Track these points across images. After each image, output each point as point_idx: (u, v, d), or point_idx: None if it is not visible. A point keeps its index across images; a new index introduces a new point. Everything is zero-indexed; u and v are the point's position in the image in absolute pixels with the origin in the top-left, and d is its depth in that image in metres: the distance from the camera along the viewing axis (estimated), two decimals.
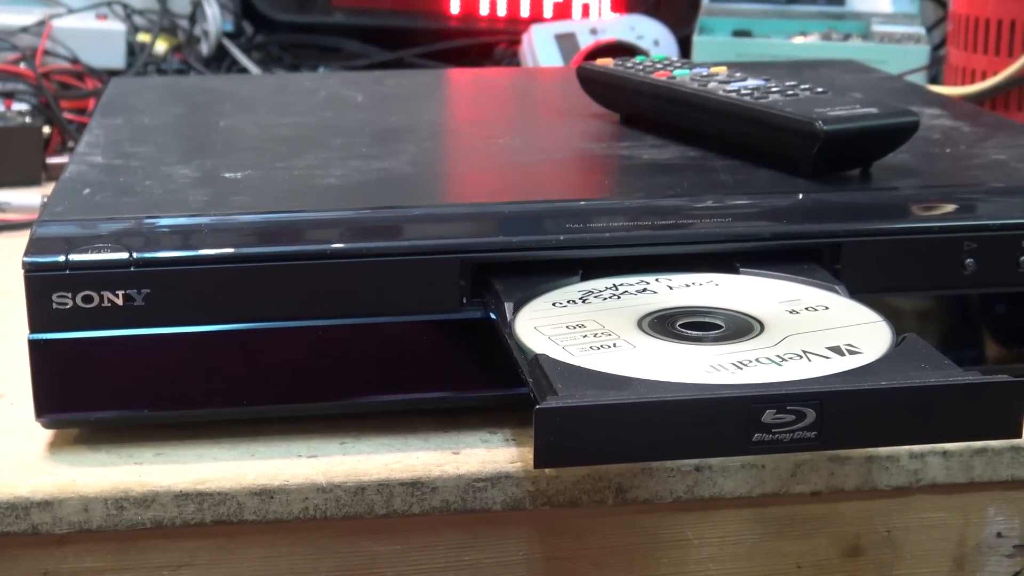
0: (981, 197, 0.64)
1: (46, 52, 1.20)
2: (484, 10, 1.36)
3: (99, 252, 0.56)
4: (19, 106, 1.05)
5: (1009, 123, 0.79)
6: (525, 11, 1.35)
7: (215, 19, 1.30)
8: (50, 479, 0.56)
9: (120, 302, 0.56)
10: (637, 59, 0.80)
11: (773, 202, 0.63)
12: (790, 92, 0.69)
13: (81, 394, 0.57)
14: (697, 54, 1.19)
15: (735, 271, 0.60)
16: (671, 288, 0.59)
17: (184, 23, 1.35)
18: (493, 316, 0.58)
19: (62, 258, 0.56)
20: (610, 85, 0.79)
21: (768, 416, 0.47)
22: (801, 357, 0.51)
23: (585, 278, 0.60)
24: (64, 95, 1.13)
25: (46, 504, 0.55)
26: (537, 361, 0.51)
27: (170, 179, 0.65)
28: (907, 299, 0.62)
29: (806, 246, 0.61)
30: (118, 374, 0.57)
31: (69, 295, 0.56)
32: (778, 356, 0.52)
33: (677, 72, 0.75)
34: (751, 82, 0.72)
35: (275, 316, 0.58)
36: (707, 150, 0.71)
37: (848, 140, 0.65)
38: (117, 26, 1.27)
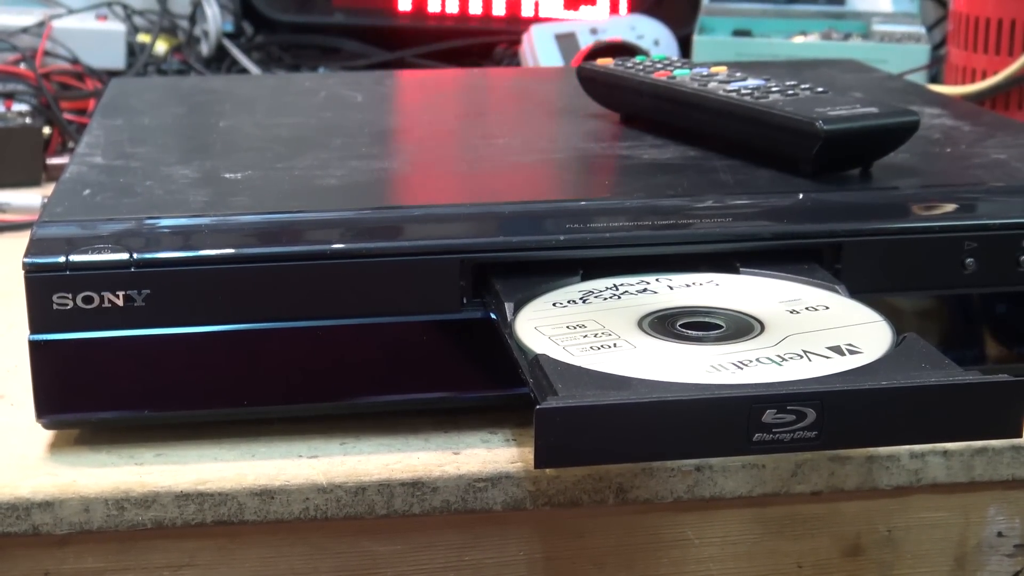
0: (981, 196, 0.64)
1: (46, 53, 1.20)
2: (484, 10, 1.36)
3: (99, 253, 0.56)
4: (19, 107, 1.05)
5: (1009, 122, 0.79)
6: (526, 10, 1.35)
7: (215, 19, 1.30)
8: (51, 480, 0.56)
9: (120, 303, 0.56)
10: (637, 59, 0.80)
11: (773, 202, 0.63)
12: (790, 92, 0.69)
13: (82, 395, 0.57)
14: (697, 54, 1.19)
15: (735, 271, 0.60)
16: (671, 288, 0.59)
17: (184, 23, 1.35)
18: (493, 316, 0.58)
19: (62, 259, 0.56)
20: (610, 85, 0.78)
21: (768, 416, 0.47)
22: (801, 357, 0.51)
23: (585, 278, 0.60)
24: (64, 96, 1.13)
25: (47, 505, 0.55)
26: (537, 361, 0.51)
27: (170, 180, 0.65)
28: (907, 299, 0.62)
29: (806, 246, 0.61)
30: (119, 375, 0.57)
31: (69, 296, 0.56)
32: (778, 356, 0.52)
33: (677, 72, 0.75)
34: (751, 82, 0.72)
35: (275, 317, 0.58)
36: (707, 150, 0.71)
37: (848, 140, 0.65)
38: (117, 27, 1.27)
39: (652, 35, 1.24)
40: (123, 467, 0.57)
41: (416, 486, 0.57)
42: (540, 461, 0.47)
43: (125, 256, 0.56)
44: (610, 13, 1.35)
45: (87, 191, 0.63)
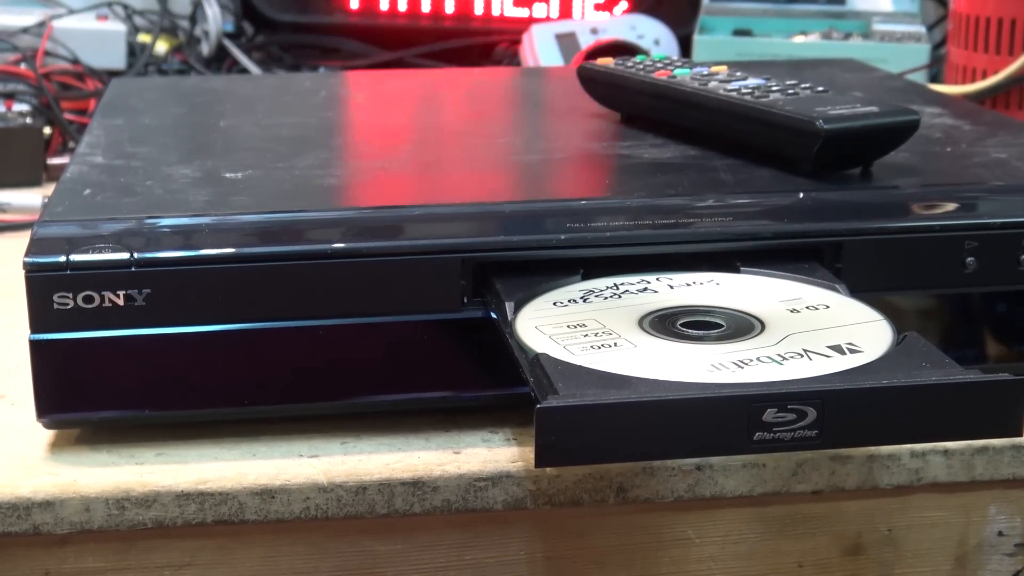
0: (982, 196, 0.64)
1: (47, 53, 1.20)
2: (484, 10, 1.36)
3: (100, 252, 0.56)
4: (20, 107, 1.05)
5: (1010, 121, 0.79)
6: (525, 11, 1.35)
7: (215, 19, 1.30)
8: (51, 479, 0.56)
9: (121, 302, 0.56)
10: (638, 58, 0.80)
11: (774, 201, 0.63)
12: (791, 91, 0.69)
13: (82, 394, 0.57)
14: (698, 53, 1.19)
15: (736, 270, 0.60)
16: (672, 287, 0.59)
17: (184, 23, 1.35)
18: (494, 315, 0.58)
19: (63, 258, 0.55)
20: (611, 84, 0.78)
21: (769, 415, 0.47)
22: (802, 356, 0.51)
23: (586, 277, 0.60)
24: (65, 96, 1.13)
25: (47, 504, 0.55)
26: (538, 360, 0.51)
27: (171, 179, 0.65)
28: (908, 298, 0.62)
29: (807, 245, 0.61)
30: (119, 374, 0.57)
31: (70, 295, 0.56)
32: (779, 355, 0.52)
33: (678, 71, 0.75)
34: (752, 81, 0.72)
35: (276, 316, 0.58)
36: (708, 149, 0.71)
37: (849, 139, 0.65)
38: (117, 27, 1.27)
39: (652, 35, 1.24)
40: (124, 467, 0.57)
41: (417, 485, 0.57)
42: (541, 460, 0.47)
43: (126, 256, 0.56)
44: (610, 13, 1.35)
45: (88, 191, 0.63)
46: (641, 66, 0.77)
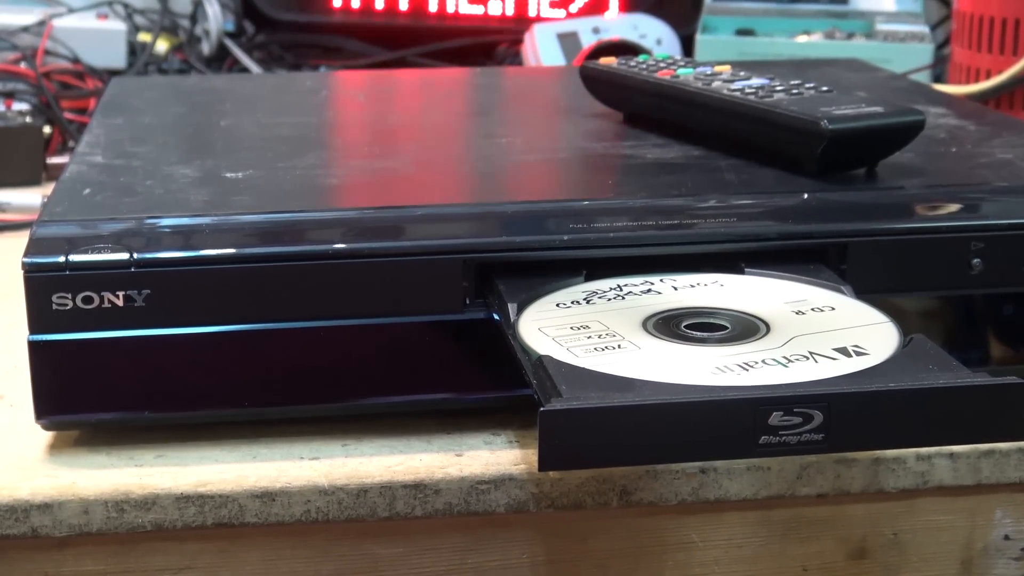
0: (988, 196, 0.64)
1: (47, 52, 1.19)
2: (485, 9, 1.35)
3: (99, 253, 0.56)
4: (20, 106, 1.05)
5: (1015, 122, 0.78)
6: (528, 10, 1.35)
7: (216, 18, 1.29)
8: (50, 481, 0.56)
9: (120, 303, 0.56)
10: (640, 58, 0.79)
11: (778, 202, 0.62)
12: (795, 91, 0.68)
13: (81, 396, 0.57)
14: (700, 53, 1.19)
15: (740, 271, 0.60)
16: (676, 288, 0.58)
17: (185, 22, 1.34)
18: (496, 317, 0.57)
19: (62, 259, 0.55)
20: (614, 84, 0.78)
21: (775, 418, 0.47)
22: (807, 358, 0.51)
23: (589, 278, 0.59)
24: (65, 95, 1.13)
25: (46, 507, 0.55)
26: (541, 363, 0.50)
27: (171, 179, 0.65)
28: (913, 299, 0.62)
29: (811, 246, 0.61)
30: (118, 375, 0.57)
31: (69, 296, 0.55)
32: (784, 357, 0.51)
33: (681, 71, 0.75)
34: (755, 81, 0.71)
35: (277, 317, 0.57)
36: (711, 149, 0.70)
37: (854, 139, 0.64)
38: (118, 25, 1.27)
39: (655, 34, 1.23)
40: (123, 469, 0.57)
41: (418, 488, 0.57)
42: (544, 464, 0.47)
43: (125, 256, 0.55)
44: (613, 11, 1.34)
45: (87, 190, 0.63)
46: (644, 66, 0.77)
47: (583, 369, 0.50)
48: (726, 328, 0.55)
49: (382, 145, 0.74)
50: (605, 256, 0.59)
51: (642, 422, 0.47)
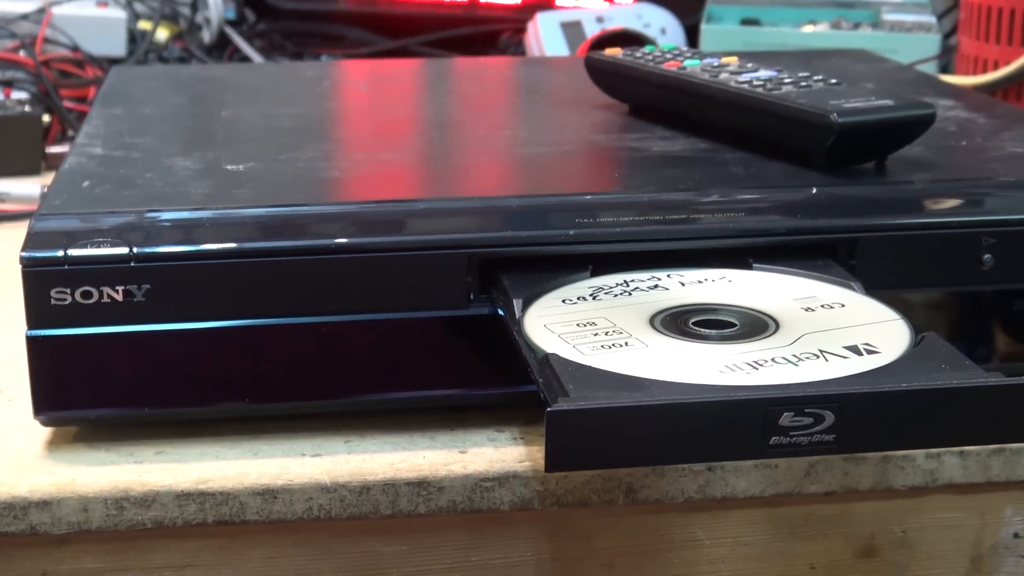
0: (999, 191, 0.63)
1: (46, 40, 1.18)
2: None
3: (98, 247, 0.55)
4: (18, 95, 1.04)
5: None
6: None
7: (217, 7, 1.28)
8: (49, 478, 0.55)
9: (120, 298, 0.55)
10: (647, 49, 0.78)
11: (786, 196, 0.61)
12: (803, 83, 0.68)
13: (80, 391, 0.56)
14: (705, 43, 1.18)
15: (748, 267, 0.59)
16: (683, 284, 0.58)
17: (185, 11, 1.33)
18: (501, 312, 0.57)
19: (60, 253, 0.54)
20: (619, 75, 0.77)
21: (786, 419, 0.46)
22: (818, 357, 0.50)
23: (595, 274, 0.58)
24: (64, 83, 1.12)
25: (44, 504, 0.54)
26: (547, 361, 0.50)
27: (171, 171, 0.64)
28: (924, 295, 0.61)
29: (820, 241, 0.60)
30: (118, 371, 0.56)
31: (68, 291, 0.55)
32: (794, 356, 0.50)
33: (687, 62, 0.74)
34: (763, 73, 0.70)
35: (278, 312, 0.56)
36: (718, 142, 0.69)
37: (863, 133, 0.63)
38: (118, 13, 1.26)
39: (659, 23, 1.23)
40: (122, 465, 0.56)
41: (422, 485, 0.56)
42: (551, 464, 0.46)
43: (125, 250, 0.55)
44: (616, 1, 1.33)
45: (86, 183, 0.62)
46: (650, 57, 0.76)
47: (590, 367, 0.49)
48: (734, 325, 0.54)
49: (385, 137, 0.74)
50: (611, 251, 0.59)
51: (651, 423, 0.46)
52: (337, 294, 0.57)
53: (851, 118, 0.63)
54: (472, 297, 0.58)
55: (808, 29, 1.19)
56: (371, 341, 0.57)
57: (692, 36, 1.25)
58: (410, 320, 0.57)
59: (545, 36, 1.21)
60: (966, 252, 0.60)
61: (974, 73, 1.08)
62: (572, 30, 1.21)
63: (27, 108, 1.01)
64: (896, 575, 0.62)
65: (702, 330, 0.53)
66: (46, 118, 1.04)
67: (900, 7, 1.23)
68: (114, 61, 1.19)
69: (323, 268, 0.56)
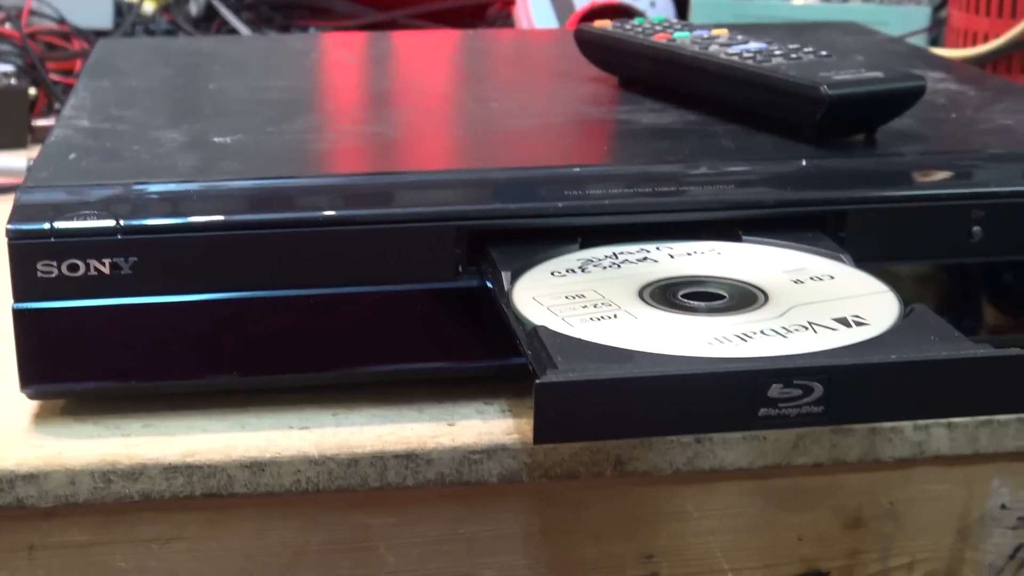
0: (989, 163, 0.63)
1: (32, 12, 1.18)
2: None
3: (85, 219, 0.54)
4: (4, 67, 1.04)
5: (1016, 87, 0.77)
6: None
7: None
8: (35, 451, 0.55)
9: (107, 271, 0.55)
10: (636, 21, 0.78)
11: (776, 168, 0.61)
12: (793, 55, 0.67)
13: (67, 364, 0.56)
14: (694, 15, 1.17)
15: (738, 239, 0.59)
16: (672, 257, 0.57)
17: None
18: (490, 285, 0.56)
19: (47, 226, 0.54)
20: (609, 48, 0.77)
21: (775, 390, 0.46)
22: (807, 329, 0.50)
23: (584, 246, 0.58)
24: (50, 56, 1.11)
25: (31, 477, 0.54)
26: (536, 333, 0.49)
27: (158, 144, 0.64)
28: (913, 268, 0.61)
29: (810, 214, 0.60)
30: (105, 344, 0.56)
31: (54, 264, 0.54)
32: (783, 328, 0.50)
33: (677, 35, 0.73)
34: (753, 45, 0.70)
35: (266, 285, 0.56)
36: (708, 114, 0.69)
37: (853, 105, 0.63)
38: None
39: None
40: (110, 438, 0.56)
41: (410, 458, 0.56)
42: (540, 436, 0.46)
43: (111, 223, 0.54)
44: None
45: (73, 155, 0.62)
46: (640, 29, 0.76)
47: (579, 339, 0.49)
48: (723, 297, 0.54)
49: (373, 109, 0.73)
50: (600, 223, 0.58)
51: (640, 394, 0.46)
52: (325, 266, 0.56)
53: (841, 90, 0.62)
54: (461, 269, 0.57)
55: (798, 2, 1.19)
56: (359, 314, 0.57)
57: (682, 8, 1.24)
58: (398, 292, 0.57)
59: (534, 8, 1.21)
60: (955, 224, 0.60)
61: (964, 46, 1.08)
62: (561, 2, 1.21)
63: (13, 81, 1.01)
64: (883, 546, 0.62)
65: (691, 302, 0.53)
66: (32, 91, 1.04)
67: None
68: (101, 34, 1.19)
69: (311, 240, 0.56)
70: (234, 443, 0.56)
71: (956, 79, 0.78)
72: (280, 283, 0.56)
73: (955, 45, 1.09)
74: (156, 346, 0.56)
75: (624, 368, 0.46)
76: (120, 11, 1.25)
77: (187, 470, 0.55)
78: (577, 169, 0.60)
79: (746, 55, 0.68)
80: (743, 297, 0.54)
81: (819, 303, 0.53)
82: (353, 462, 0.56)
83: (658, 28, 0.76)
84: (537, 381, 0.45)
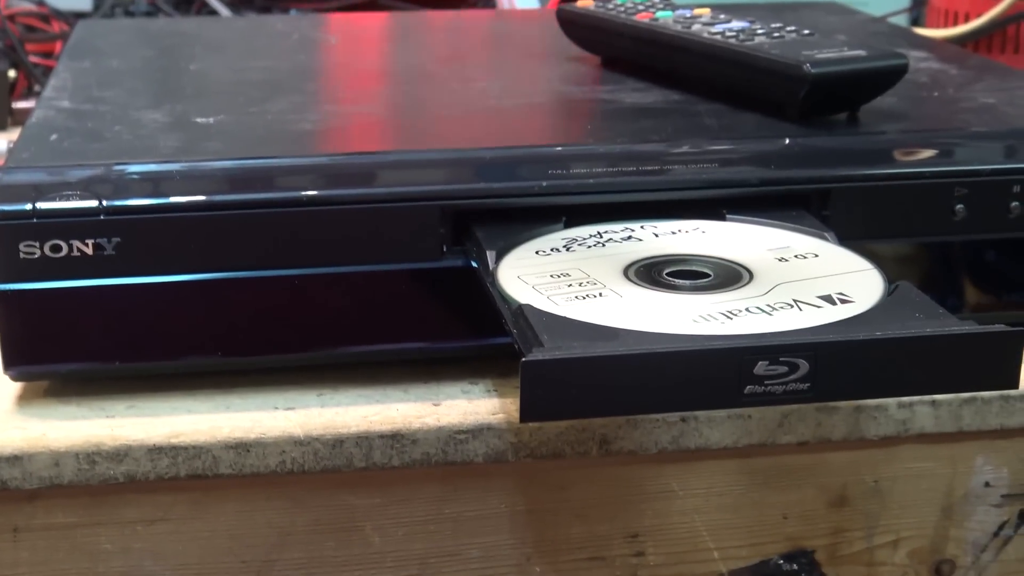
0: (971, 142, 0.63)
1: None
2: None
3: (67, 200, 0.54)
4: None
5: (997, 66, 0.77)
6: None
7: None
8: (19, 433, 0.55)
9: (90, 251, 0.54)
10: (618, 0, 0.78)
11: (759, 147, 0.61)
12: (776, 34, 0.67)
13: (50, 346, 0.56)
14: None
15: (722, 218, 0.59)
16: (656, 235, 0.57)
17: None
18: (475, 264, 0.56)
19: (29, 206, 0.54)
20: (591, 27, 0.77)
21: (760, 368, 0.46)
22: (792, 306, 0.50)
23: (568, 225, 0.58)
24: (30, 38, 1.11)
25: (15, 459, 0.54)
26: (521, 311, 0.49)
27: (140, 124, 0.63)
28: (896, 246, 0.61)
29: (794, 192, 0.60)
30: (88, 325, 0.56)
31: (37, 244, 0.54)
32: (768, 305, 0.50)
33: (660, 14, 0.73)
34: (736, 24, 0.70)
35: (249, 265, 0.56)
36: (691, 94, 0.69)
37: (836, 83, 0.63)
38: None
39: None
40: (94, 420, 0.56)
41: (395, 438, 0.56)
42: (526, 415, 0.46)
43: (94, 203, 0.54)
44: None
45: (54, 136, 0.61)
46: (622, 8, 0.76)
47: (564, 318, 0.49)
48: (708, 275, 0.54)
49: (355, 90, 0.73)
50: (585, 203, 0.58)
51: (626, 372, 0.46)
52: (309, 247, 0.56)
53: (824, 68, 0.62)
54: (445, 249, 0.57)
55: None
56: (344, 294, 0.57)
57: None
58: (383, 272, 0.57)
59: None
60: (938, 202, 0.60)
61: (945, 26, 1.08)
62: None
63: None
64: (868, 524, 0.62)
65: (676, 280, 0.53)
66: (12, 73, 1.03)
67: None
68: (80, 15, 1.18)
69: (295, 221, 0.56)
70: (219, 424, 0.56)
71: (938, 58, 0.79)
72: (264, 263, 0.56)
73: (936, 25, 1.09)
74: (140, 327, 0.56)
75: (610, 346, 0.47)
76: None
77: (172, 451, 0.55)
78: (561, 148, 0.60)
79: (729, 34, 0.68)
80: (728, 275, 0.54)
81: (804, 281, 0.53)
82: (338, 442, 0.56)
83: (640, 7, 0.76)
84: (523, 359, 0.45)
